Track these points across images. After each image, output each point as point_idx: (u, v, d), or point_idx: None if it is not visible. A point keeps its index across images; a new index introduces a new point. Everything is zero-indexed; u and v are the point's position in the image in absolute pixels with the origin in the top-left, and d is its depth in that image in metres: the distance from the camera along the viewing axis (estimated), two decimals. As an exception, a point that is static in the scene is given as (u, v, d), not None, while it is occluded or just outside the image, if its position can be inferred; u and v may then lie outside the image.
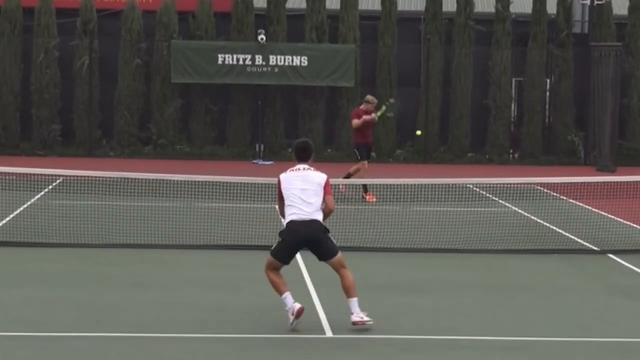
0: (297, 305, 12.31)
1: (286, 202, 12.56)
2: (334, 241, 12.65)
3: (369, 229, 19.79)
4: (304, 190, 12.50)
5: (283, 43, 34.67)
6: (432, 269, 16.79)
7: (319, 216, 12.49)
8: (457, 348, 11.96)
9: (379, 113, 24.60)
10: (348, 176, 24.01)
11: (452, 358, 11.52)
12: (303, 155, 12.90)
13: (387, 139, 34.43)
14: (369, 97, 25.21)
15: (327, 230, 12.58)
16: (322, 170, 12.87)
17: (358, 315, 12.36)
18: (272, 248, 12.63)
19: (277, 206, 13.06)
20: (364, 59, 35.18)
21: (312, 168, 12.77)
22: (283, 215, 12.77)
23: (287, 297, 12.37)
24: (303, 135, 34.61)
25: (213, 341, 11.97)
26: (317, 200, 12.49)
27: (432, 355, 11.61)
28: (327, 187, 12.64)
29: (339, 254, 12.56)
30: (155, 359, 11.21)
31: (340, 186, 22.71)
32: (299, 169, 12.72)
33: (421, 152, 34.92)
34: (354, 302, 12.42)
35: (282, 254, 12.50)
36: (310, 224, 12.39)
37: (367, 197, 24.10)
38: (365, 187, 24.03)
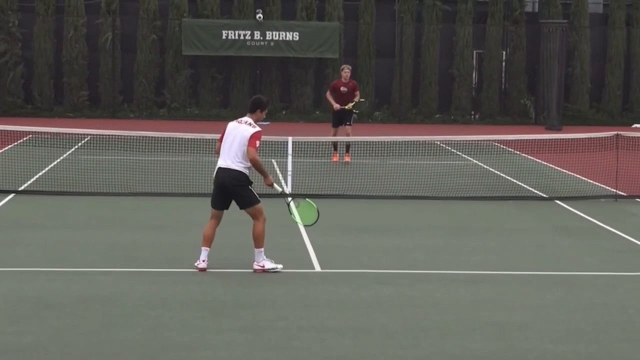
0: (203, 265, 11.90)
1: (221, 149, 11.99)
2: (254, 193, 11.97)
3: (349, 179, 19.76)
4: (232, 141, 11.88)
5: (278, 21, 34.56)
6: (405, 214, 16.77)
7: (239, 167, 11.80)
8: (426, 281, 11.94)
9: (350, 105, 23.48)
10: (336, 146, 23.21)
11: (421, 289, 11.49)
12: (250, 108, 12.31)
13: (364, 105, 34.25)
14: (344, 66, 24.46)
15: (245, 182, 11.88)
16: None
17: (257, 264, 11.99)
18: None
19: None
20: (347, 34, 35.12)
21: (251, 122, 12.01)
22: (217, 153, 12.14)
23: (204, 251, 11.97)
24: (296, 100, 34.72)
25: (217, 275, 11.95)
26: (240, 151, 11.78)
27: (405, 287, 11.58)
28: (251, 140, 11.77)
29: (256, 206, 11.93)
30: (168, 289, 11.16)
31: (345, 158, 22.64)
32: (240, 121, 12.11)
33: (396, 114, 34.91)
34: (256, 252, 11.99)
35: (213, 198, 12.10)
36: (228, 172, 11.84)
37: (334, 157, 23.31)
38: (334, 146, 23.29)
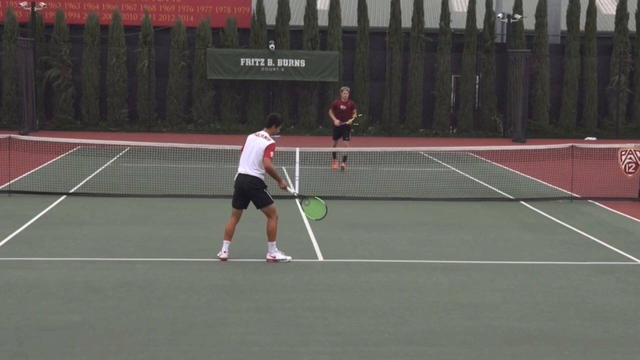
0: (224, 255, 11.94)
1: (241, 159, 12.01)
2: (268, 195, 12.02)
3: (348, 183, 19.77)
4: (251, 151, 11.90)
5: (287, 50, 34.59)
6: (394, 212, 16.76)
7: (256, 173, 11.80)
8: (411, 268, 11.94)
9: (350, 121, 23.44)
10: (334, 154, 23.22)
11: (407, 276, 11.49)
12: (266, 123, 12.32)
13: (362, 119, 34.30)
14: (343, 88, 24.49)
15: (260, 186, 11.88)
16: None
17: (270, 255, 12.01)
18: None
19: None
20: (345, 61, 35.18)
21: (266, 135, 11.97)
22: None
23: (225, 244, 12.00)
24: (302, 117, 34.77)
25: (236, 264, 11.95)
26: (257, 159, 11.79)
27: (393, 274, 11.58)
28: (266, 150, 11.78)
29: (270, 206, 11.94)
30: (194, 276, 11.17)
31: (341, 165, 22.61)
32: (257, 134, 12.12)
33: (386, 129, 34.94)
34: (270, 245, 12.01)
35: (233, 199, 12.14)
36: (245, 177, 11.86)
37: (334, 164, 23.32)
38: (334, 155, 23.29)
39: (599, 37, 36.03)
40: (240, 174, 11.93)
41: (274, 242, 12.03)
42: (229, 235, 12.04)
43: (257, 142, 11.91)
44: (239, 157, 12.10)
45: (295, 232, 13.76)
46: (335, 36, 35.04)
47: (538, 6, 35.78)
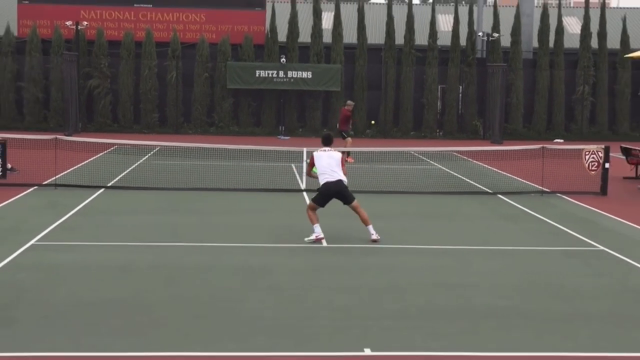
0: (321, 235, 12.29)
1: (319, 170, 12.50)
2: (351, 193, 12.61)
3: (349, 179, 19.68)
4: (330, 163, 12.48)
5: (296, 63, 34.54)
6: (388, 204, 16.72)
7: (343, 178, 12.49)
8: (404, 253, 11.91)
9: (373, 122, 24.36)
10: (347, 152, 23.44)
11: (401, 259, 11.46)
12: (327, 142, 12.95)
13: (360, 123, 34.35)
14: (349, 102, 25.24)
15: (347, 187, 12.59)
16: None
17: (374, 235, 12.43)
18: (313, 197, 12.63)
19: (303, 166, 12.97)
20: (346, 73, 35.08)
21: (332, 150, 12.78)
22: (308, 174, 12.98)
23: (317, 226, 12.33)
24: (309, 121, 34.75)
25: (252, 248, 11.94)
26: (339, 168, 12.47)
27: (388, 257, 11.54)
28: (342, 161, 12.62)
29: (355, 200, 12.57)
30: (215, 258, 11.16)
31: (348, 160, 22.48)
32: (325, 150, 12.71)
33: (382, 131, 34.86)
34: (370, 227, 12.47)
35: (320, 201, 12.47)
36: (338, 183, 12.40)
37: (348, 159, 23.81)
38: (348, 153, 23.60)
39: (566, 53, 35.93)
40: (334, 182, 12.41)
41: (371, 225, 12.46)
42: (317, 219, 12.40)
43: (334, 155, 12.57)
44: (308, 171, 12.87)
45: (302, 221, 13.70)
46: (337, 51, 34.98)
47: (513, 26, 35.69)
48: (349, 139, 24.39)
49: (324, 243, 12.37)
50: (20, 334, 7.71)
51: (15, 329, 7.83)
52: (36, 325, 7.95)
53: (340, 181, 12.42)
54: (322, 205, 12.56)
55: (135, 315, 8.38)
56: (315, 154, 12.74)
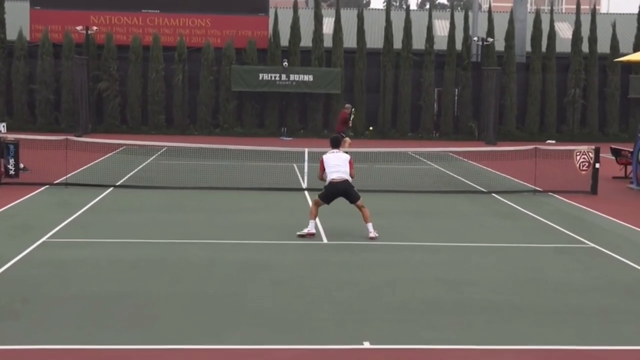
0: (313, 231, 12.34)
1: (327, 170, 12.58)
2: (357, 192, 12.69)
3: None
4: (337, 163, 12.56)
5: (298, 67, 34.53)
6: (387, 202, 16.71)
7: (349, 178, 12.54)
8: (402, 249, 11.90)
9: (352, 117, 23.99)
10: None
11: (398, 255, 11.46)
12: (335, 144, 13.04)
13: (359, 124, 34.32)
14: (347, 105, 25.21)
15: (353, 186, 12.63)
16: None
17: (373, 233, 12.45)
18: (320, 194, 12.70)
19: (318, 172, 12.96)
20: (346, 76, 35.08)
21: (340, 151, 12.90)
22: (320, 178, 12.91)
23: (312, 222, 12.40)
24: (310, 122, 34.73)
25: (255, 245, 11.93)
26: (346, 169, 12.52)
27: (386, 253, 11.54)
28: (350, 162, 12.66)
29: (360, 199, 12.64)
30: (218, 254, 11.15)
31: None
32: (334, 152, 12.81)
33: (380, 132, 34.83)
34: (369, 225, 12.51)
35: (326, 198, 12.57)
36: (344, 182, 12.47)
37: None
38: (346, 152, 23.61)
39: (557, 57, 35.90)
40: (340, 181, 12.46)
41: (370, 223, 12.50)
42: (316, 215, 12.53)
43: (341, 156, 12.65)
44: (320, 175, 12.75)
45: (304, 219, 13.69)
46: (338, 55, 34.96)
47: (507, 31, 35.66)
48: (347, 139, 24.33)
49: (325, 240, 12.36)
50: (31, 327, 7.70)
51: (25, 322, 7.83)
52: (46, 319, 7.95)
53: (346, 181, 12.49)
54: (328, 202, 12.65)
55: (141, 309, 8.37)
56: (324, 156, 12.80)
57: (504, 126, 34.98)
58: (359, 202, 12.60)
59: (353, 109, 25.25)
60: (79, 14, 34.11)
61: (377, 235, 12.43)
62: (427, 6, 63.54)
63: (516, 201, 17.04)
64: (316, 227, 12.81)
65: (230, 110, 34.49)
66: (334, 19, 35.86)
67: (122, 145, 23.28)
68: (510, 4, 40.88)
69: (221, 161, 21.66)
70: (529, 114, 35.66)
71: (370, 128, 32.79)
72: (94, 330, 7.64)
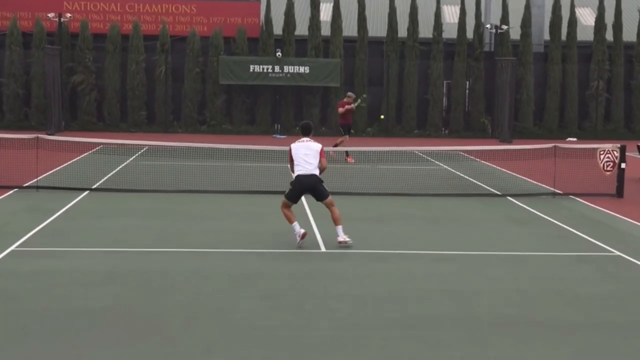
0: (302, 230, 12.29)
1: (295, 162, 12.44)
2: (326, 188, 12.58)
3: (349, 180, 19.73)
4: (306, 154, 12.39)
5: (293, 58, 34.61)
6: (391, 207, 16.73)
7: (317, 172, 12.39)
8: (407, 259, 11.90)
9: (355, 104, 24.71)
10: (335, 145, 23.92)
11: (403, 265, 11.45)
12: (306, 132, 12.78)
13: (361, 121, 34.40)
14: (349, 93, 25.59)
15: (322, 181, 12.51)
16: (318, 142, 12.78)
17: (342, 237, 12.35)
18: (285, 193, 12.56)
19: (288, 165, 12.95)
20: (346, 68, 35.18)
21: (311, 140, 12.64)
22: (292, 171, 12.63)
23: (295, 225, 12.32)
24: (306, 119, 34.56)
25: (246, 254, 11.93)
26: (315, 161, 12.36)
27: (390, 263, 11.54)
28: (322, 152, 12.49)
29: (330, 197, 12.50)
30: (206, 265, 11.15)
31: (330, 152, 22.54)
32: (303, 141, 12.60)
33: (383, 129, 34.91)
34: (339, 228, 12.37)
35: (292, 196, 12.43)
36: (310, 177, 12.31)
37: (348, 159, 24.01)
38: (347, 152, 23.95)
39: (579, 46, 36.00)
40: (306, 175, 12.29)
41: (341, 226, 12.36)
42: (294, 216, 12.40)
43: (311, 146, 12.44)
44: (289, 162, 12.55)
45: (300, 224, 13.69)
46: (337, 45, 35.04)
47: (523, 18, 35.75)
48: (347, 137, 24.47)
49: (323, 248, 12.37)
50: (-1, 345, 7.69)
51: (-7, 341, 7.81)
52: (12, 337, 7.93)
53: (314, 175, 12.33)
54: (295, 201, 12.48)
55: (120, 325, 8.36)
56: (292, 145, 12.62)
57: (520, 122, 35.06)
58: (327, 200, 12.44)
59: (365, 95, 25.78)
60: (51, 0, 34.11)
61: (348, 240, 12.34)
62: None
63: (533, 205, 17.06)
64: (312, 234, 12.80)
65: (218, 105, 34.55)
66: (332, 4, 35.94)
67: (98, 144, 23.26)
68: (527, -12, 40.93)
69: (208, 162, 21.67)
70: (548, 109, 35.73)
71: (382, 116, 32.88)
72: (67, 349, 7.62)
